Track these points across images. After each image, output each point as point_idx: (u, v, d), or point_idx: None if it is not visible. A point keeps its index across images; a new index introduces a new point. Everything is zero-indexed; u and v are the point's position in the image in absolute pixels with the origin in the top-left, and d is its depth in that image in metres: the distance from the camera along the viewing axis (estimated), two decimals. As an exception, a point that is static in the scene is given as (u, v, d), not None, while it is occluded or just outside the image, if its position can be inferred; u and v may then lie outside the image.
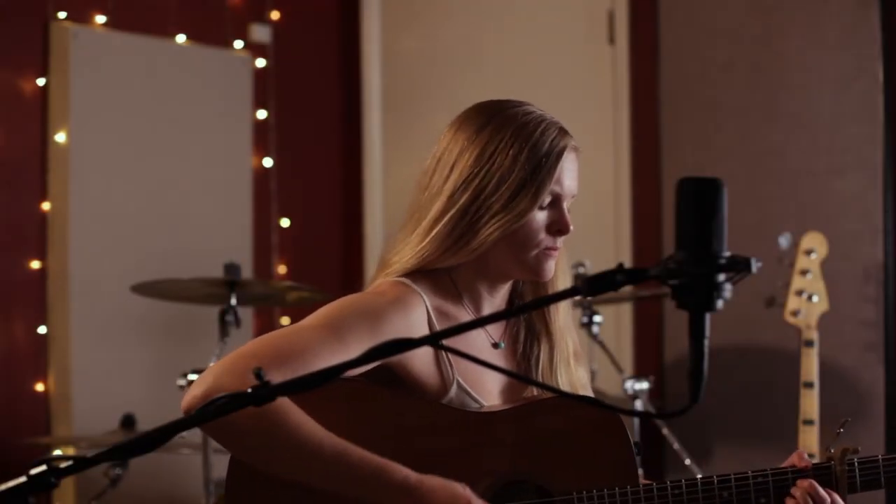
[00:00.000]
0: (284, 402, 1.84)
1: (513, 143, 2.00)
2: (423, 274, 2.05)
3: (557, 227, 2.03)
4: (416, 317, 2.00)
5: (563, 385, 2.11)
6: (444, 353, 2.01)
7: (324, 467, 1.85)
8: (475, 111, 2.08)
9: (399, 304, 1.98)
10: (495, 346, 2.11)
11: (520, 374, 2.08)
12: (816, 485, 1.98)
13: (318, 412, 1.87)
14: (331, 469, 1.85)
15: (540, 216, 2.02)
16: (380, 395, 1.99)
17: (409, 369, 1.99)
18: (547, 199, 2.02)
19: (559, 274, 2.12)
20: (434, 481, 1.85)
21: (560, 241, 2.05)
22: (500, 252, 2.03)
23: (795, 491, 1.98)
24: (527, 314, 2.15)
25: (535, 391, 2.11)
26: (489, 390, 2.06)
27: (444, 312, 2.05)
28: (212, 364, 1.94)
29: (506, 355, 2.12)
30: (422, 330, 2.00)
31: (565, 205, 2.04)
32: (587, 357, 3.95)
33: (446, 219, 2.01)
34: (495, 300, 2.12)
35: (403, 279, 2.03)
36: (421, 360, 2.00)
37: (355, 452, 1.84)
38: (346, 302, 1.98)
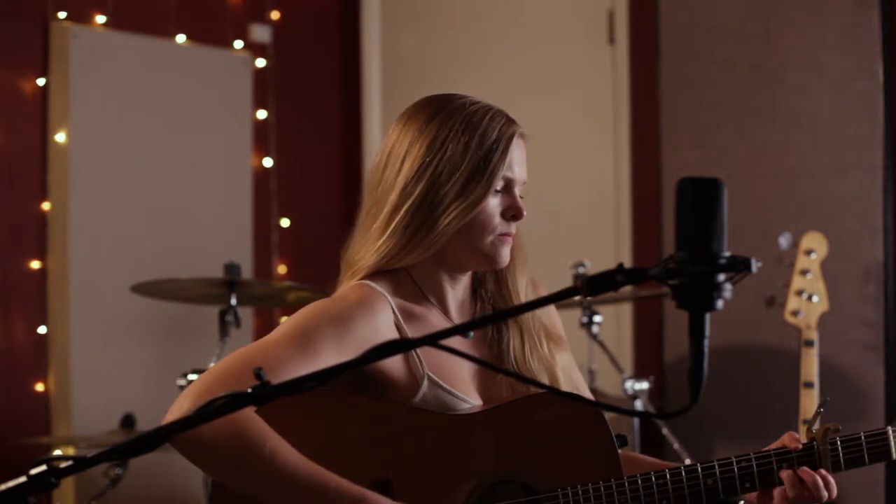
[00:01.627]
0: (262, 427, 1.84)
1: (463, 131, 2.02)
2: (384, 274, 2.06)
3: (512, 212, 2.05)
4: (383, 318, 2.01)
5: (538, 370, 2.11)
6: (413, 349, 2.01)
7: (300, 495, 1.85)
8: (423, 104, 2.10)
9: (364, 306, 1.99)
10: (464, 335, 2.11)
11: (496, 365, 2.08)
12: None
13: (300, 425, 1.88)
14: (307, 497, 1.85)
15: (493, 202, 2.03)
16: (360, 402, 1.99)
17: (380, 369, 1.99)
18: (500, 185, 2.03)
19: (517, 264, 2.13)
20: None
21: (514, 226, 2.06)
22: (456, 242, 2.04)
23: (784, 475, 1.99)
24: (491, 301, 2.16)
25: (507, 379, 2.11)
26: (461, 380, 2.06)
27: (408, 311, 2.05)
28: (200, 376, 1.94)
29: (476, 343, 2.12)
30: (389, 330, 2.01)
31: (517, 191, 2.06)
32: (588, 357, 3.97)
33: (402, 211, 2.02)
34: (457, 292, 2.12)
35: (365, 281, 2.04)
36: (391, 359, 1.99)
37: (332, 481, 1.85)
38: (311, 310, 1.98)
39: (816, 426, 2.02)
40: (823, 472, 1.99)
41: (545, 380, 2.10)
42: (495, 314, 2.14)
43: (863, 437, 2.02)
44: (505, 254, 2.07)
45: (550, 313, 2.21)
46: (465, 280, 2.13)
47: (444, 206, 2.00)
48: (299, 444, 1.87)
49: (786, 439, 2.02)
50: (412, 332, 2.02)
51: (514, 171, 2.05)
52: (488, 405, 2.05)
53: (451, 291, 2.11)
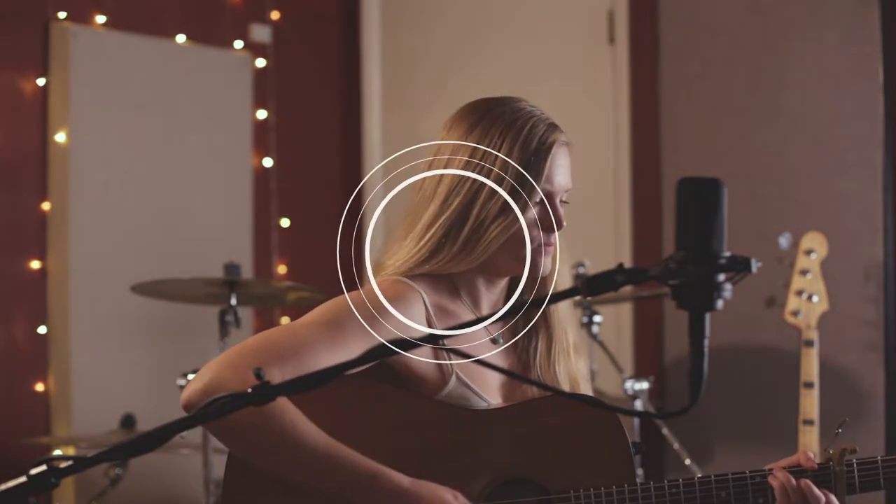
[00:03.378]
0: (282, 400, 1.85)
1: (502, 143, 2.01)
2: (422, 272, 2.05)
3: (549, 223, 2.04)
4: (415, 313, 2.01)
5: (562, 377, 2.12)
6: (443, 345, 2.01)
7: (317, 467, 1.86)
8: (466, 110, 2.09)
9: (397, 300, 1.99)
10: (493, 341, 2.12)
11: (520, 375, 2.07)
12: (811, 484, 1.98)
13: (318, 409, 1.88)
14: (324, 470, 1.86)
15: (532, 213, 2.03)
16: (379, 391, 2.00)
17: (408, 363, 2.00)
18: (538, 197, 2.03)
19: (558, 269, 2.12)
20: (424, 488, 1.87)
21: (554, 236, 2.06)
22: (496, 251, 2.03)
23: (774, 482, 1.98)
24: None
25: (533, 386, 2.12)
26: (488, 382, 2.06)
27: (442, 308, 2.06)
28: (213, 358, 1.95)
29: (505, 350, 2.13)
30: (421, 326, 2.01)
31: (558, 200, 2.05)
32: (587, 357, 3.96)
33: (440, 222, 2.02)
34: (493, 295, 2.12)
35: (402, 277, 2.04)
36: (420, 354, 2.00)
37: (349, 455, 1.86)
38: (345, 299, 1.99)
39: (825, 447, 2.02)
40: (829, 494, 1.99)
41: (567, 389, 2.11)
42: (504, 312, 2.13)
43: (879, 461, 2.00)
44: (544, 264, 2.07)
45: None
46: (501, 285, 2.13)
47: (487, 223, 2.00)
48: (318, 426, 1.87)
49: (801, 457, 2.02)
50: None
51: (554, 183, 2.04)
52: (507, 403, 2.05)
53: (487, 294, 2.11)
